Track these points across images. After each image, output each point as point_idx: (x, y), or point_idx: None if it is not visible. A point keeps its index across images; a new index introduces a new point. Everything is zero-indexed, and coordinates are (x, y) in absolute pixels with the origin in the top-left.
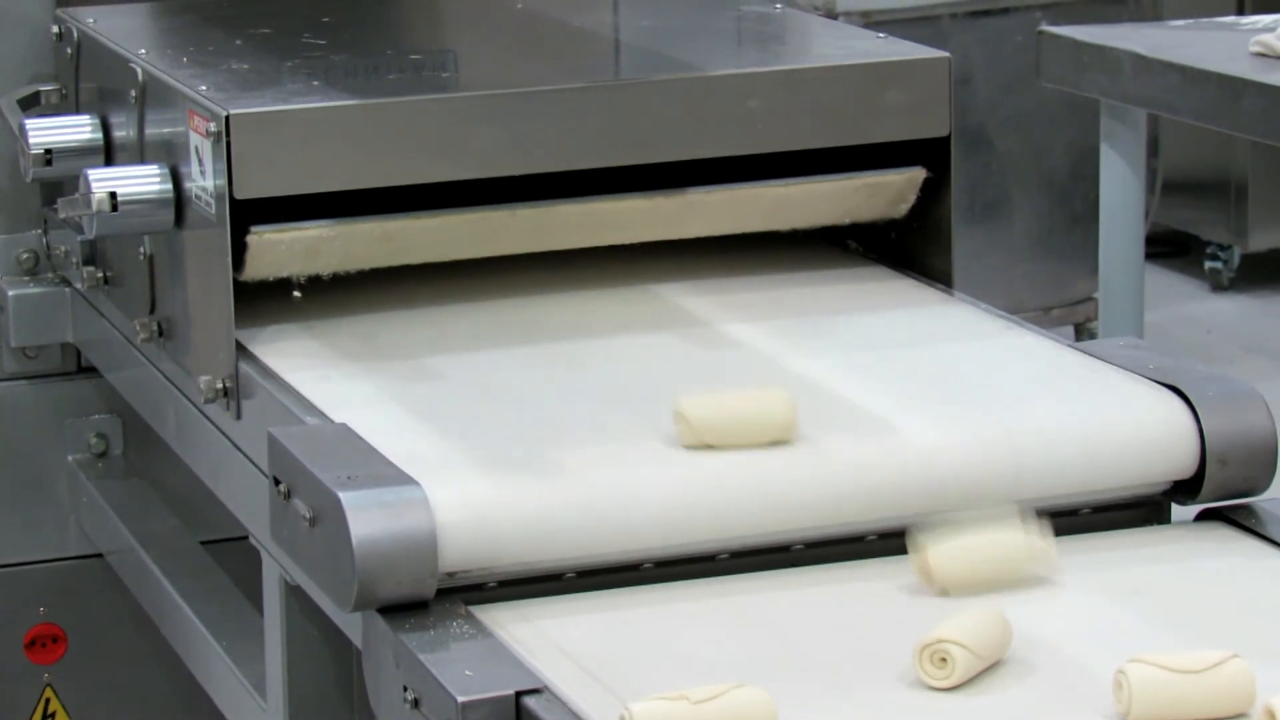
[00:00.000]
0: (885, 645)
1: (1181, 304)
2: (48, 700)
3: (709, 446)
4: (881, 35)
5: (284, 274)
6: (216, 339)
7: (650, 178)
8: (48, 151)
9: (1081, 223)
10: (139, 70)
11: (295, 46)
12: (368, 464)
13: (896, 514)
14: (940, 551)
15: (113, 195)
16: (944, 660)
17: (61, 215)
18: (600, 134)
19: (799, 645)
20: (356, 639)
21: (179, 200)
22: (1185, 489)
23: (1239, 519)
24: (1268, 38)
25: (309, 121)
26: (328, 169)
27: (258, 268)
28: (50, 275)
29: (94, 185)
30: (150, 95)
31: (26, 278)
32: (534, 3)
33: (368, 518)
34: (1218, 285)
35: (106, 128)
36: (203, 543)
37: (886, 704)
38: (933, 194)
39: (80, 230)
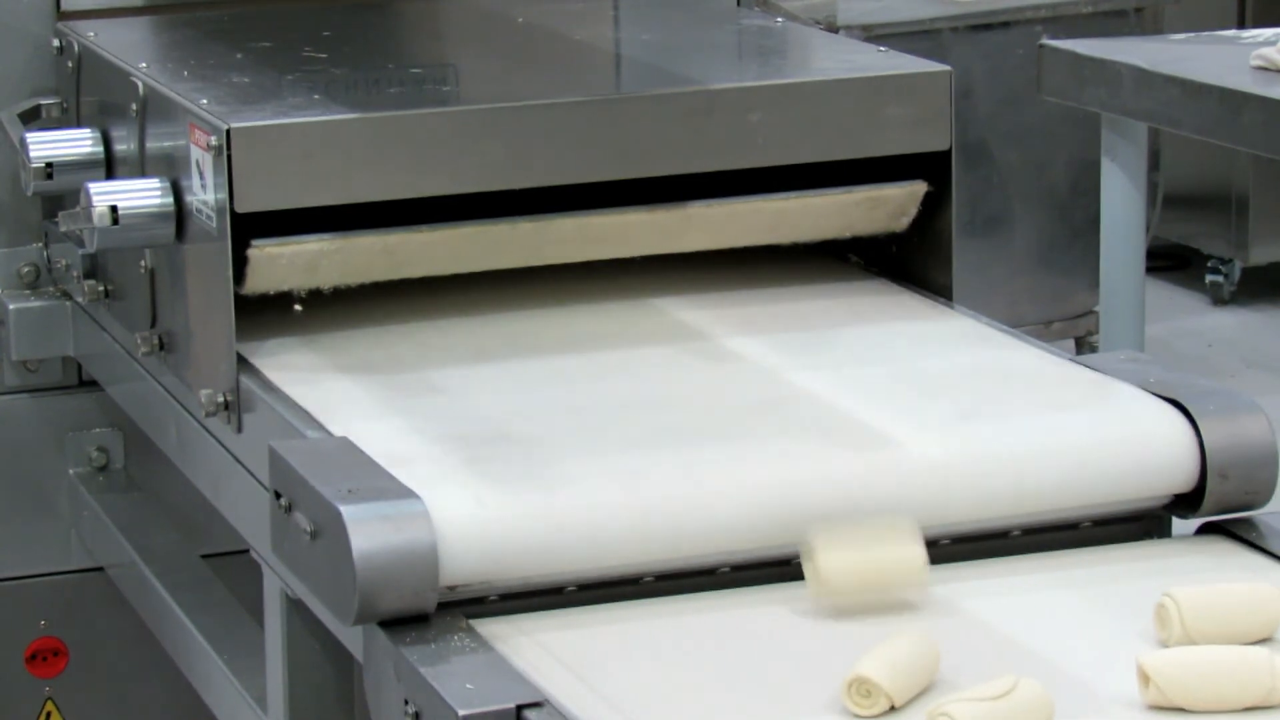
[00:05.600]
0: None
1: (1182, 318)
2: (49, 714)
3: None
4: (882, 49)
5: (285, 287)
6: (217, 352)
7: (651, 191)
8: (48, 165)
9: (1082, 236)
10: (140, 84)
11: (296, 60)
12: (369, 477)
13: None
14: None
15: (114, 209)
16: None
17: (62, 229)
18: (601, 148)
19: (799, 658)
20: (357, 652)
21: (180, 214)
22: (1186, 503)
23: (1240, 533)
24: (1269, 51)
25: (310, 135)
26: (328, 183)
27: (258, 281)
28: (51, 289)
29: (95, 199)
30: (151, 109)
31: (27, 291)
32: (535, 17)
33: (369, 531)
34: (1218, 299)
35: (107, 141)
36: (204, 556)
37: None
38: (933, 207)
39: (81, 244)
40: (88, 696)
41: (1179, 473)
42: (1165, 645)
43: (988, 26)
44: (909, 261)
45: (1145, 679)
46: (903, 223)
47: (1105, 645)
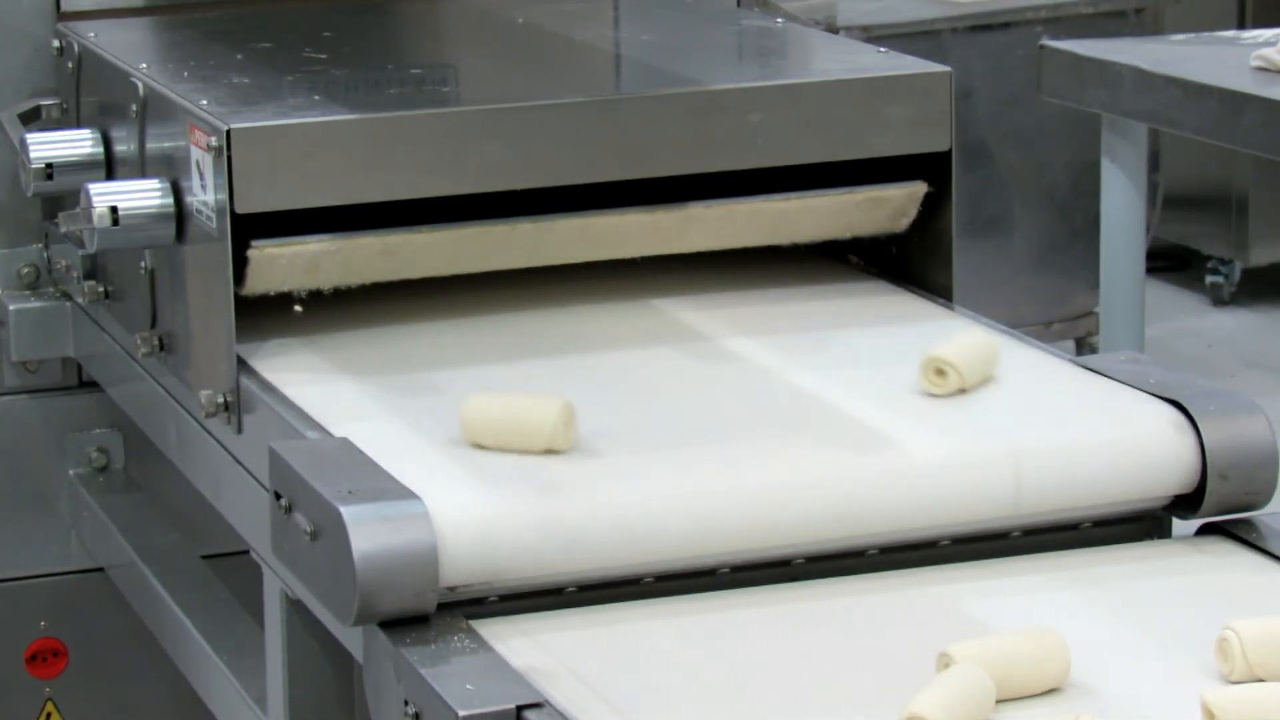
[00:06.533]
0: (885, 659)
1: (1182, 318)
2: (49, 715)
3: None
4: (882, 49)
5: (285, 288)
6: (217, 353)
7: (651, 192)
8: (49, 166)
9: (1082, 237)
10: (140, 84)
11: (296, 61)
12: (369, 478)
13: (897, 529)
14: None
15: (114, 209)
16: None
17: (63, 229)
18: (601, 148)
19: (799, 659)
20: (357, 653)
21: (180, 214)
22: (1186, 503)
23: (1240, 533)
24: (1269, 52)
25: (310, 136)
26: (328, 183)
27: (258, 282)
28: (51, 289)
29: (95, 199)
30: (151, 109)
31: (28, 292)
32: (535, 17)
33: (369, 532)
34: (1219, 300)
35: (107, 142)
36: (204, 557)
37: None
38: (933, 208)
39: (81, 244)
40: (88, 697)
41: (1179, 473)
42: (1228, 679)
43: (988, 27)
44: (909, 262)
45: (1210, 716)
46: (903, 223)
47: (1104, 645)
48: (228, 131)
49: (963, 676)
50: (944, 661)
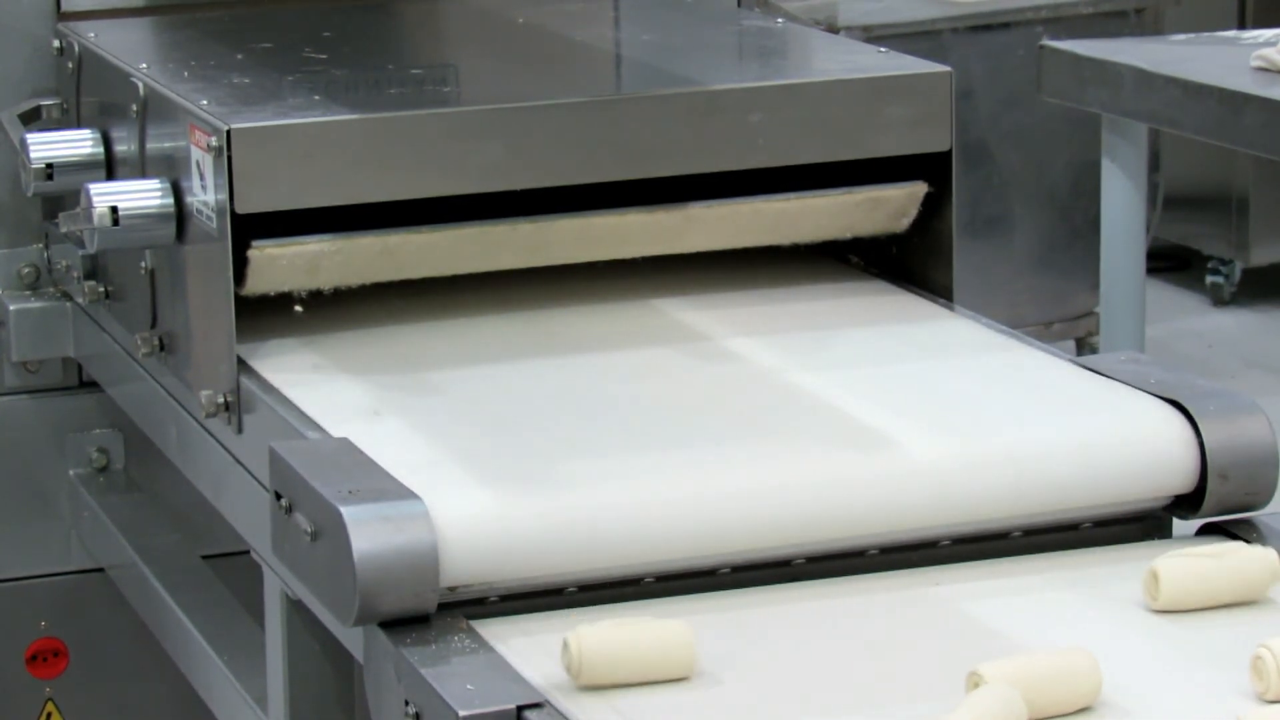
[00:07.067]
0: (886, 659)
1: (1183, 319)
2: (49, 715)
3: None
4: (883, 50)
5: (285, 288)
6: (217, 353)
7: (651, 192)
8: (49, 166)
9: (1083, 237)
10: (140, 84)
11: (296, 61)
12: (369, 478)
13: (898, 529)
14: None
15: (114, 210)
16: None
17: (63, 230)
18: (601, 148)
19: (799, 659)
20: (358, 653)
21: (180, 215)
22: (1186, 504)
23: (1240, 533)
24: (1269, 52)
25: (310, 136)
26: (329, 183)
27: (259, 282)
28: (51, 290)
29: (95, 200)
30: (151, 109)
31: (28, 292)
32: (535, 17)
33: (369, 532)
34: (1219, 300)
35: (108, 142)
36: (204, 557)
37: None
38: (934, 208)
39: (81, 245)
40: (88, 697)
41: (1179, 473)
42: (1262, 698)
43: (988, 27)
44: (909, 262)
45: None
46: (903, 224)
47: (1105, 646)
48: (228, 131)
49: (993, 696)
50: (974, 681)
